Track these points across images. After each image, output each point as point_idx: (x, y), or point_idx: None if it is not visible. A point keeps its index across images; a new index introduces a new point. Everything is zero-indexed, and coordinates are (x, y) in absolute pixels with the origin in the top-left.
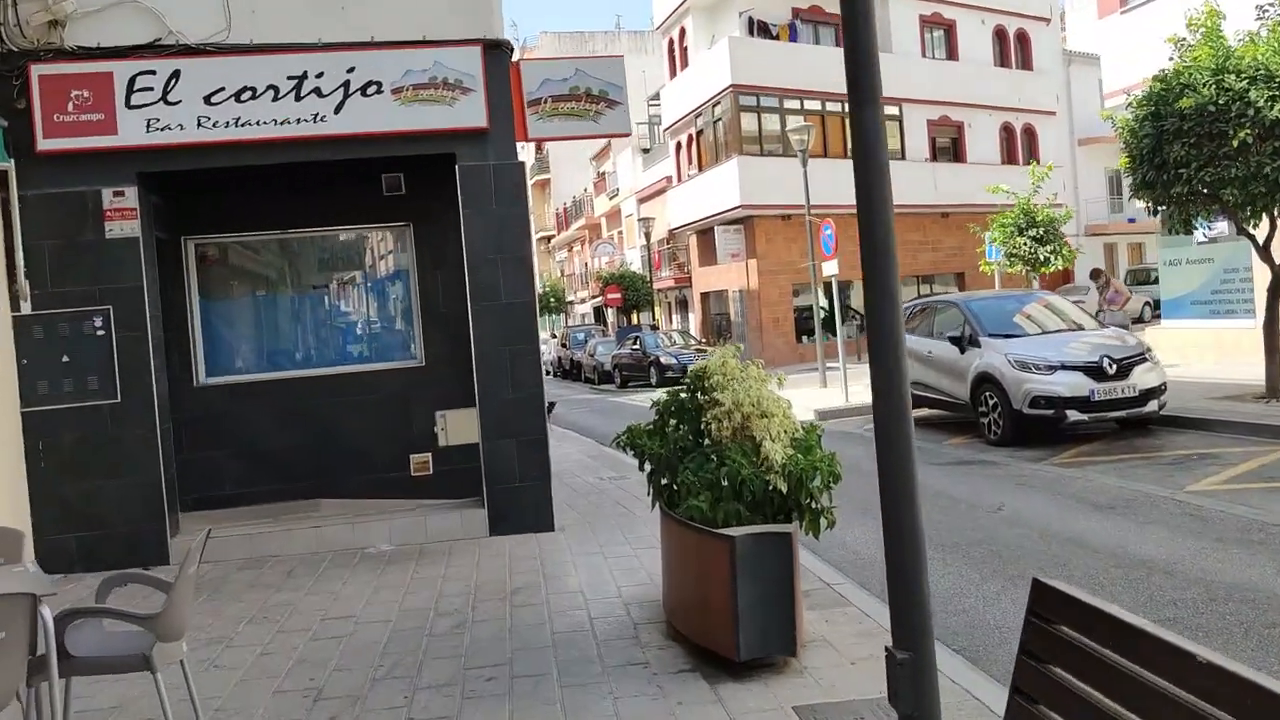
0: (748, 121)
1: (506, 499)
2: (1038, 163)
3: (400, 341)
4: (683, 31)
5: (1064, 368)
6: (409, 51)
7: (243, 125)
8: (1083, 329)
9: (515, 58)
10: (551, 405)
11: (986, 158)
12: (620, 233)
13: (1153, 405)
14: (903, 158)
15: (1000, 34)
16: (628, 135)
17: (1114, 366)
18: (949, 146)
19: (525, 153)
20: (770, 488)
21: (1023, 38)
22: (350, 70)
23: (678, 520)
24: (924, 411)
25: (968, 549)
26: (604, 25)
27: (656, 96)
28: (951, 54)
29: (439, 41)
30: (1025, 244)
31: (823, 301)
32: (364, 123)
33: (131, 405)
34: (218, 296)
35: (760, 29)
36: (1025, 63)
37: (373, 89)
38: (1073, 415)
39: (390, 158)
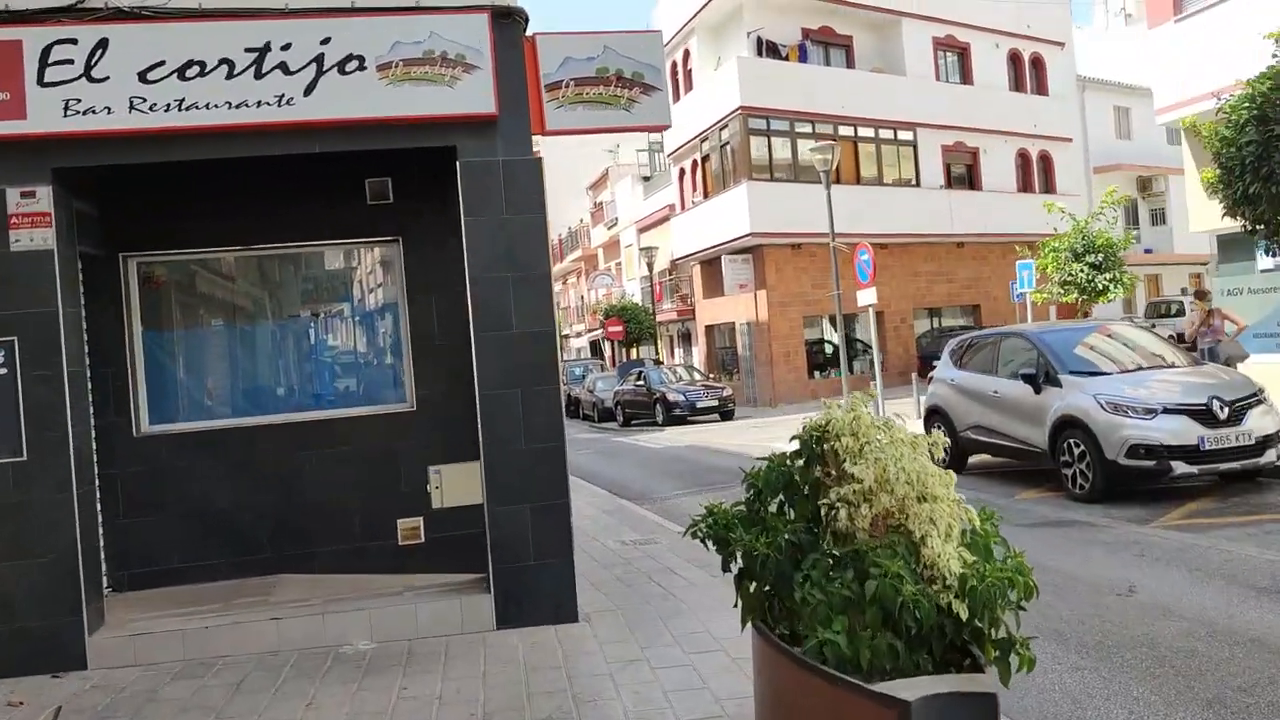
0: (757, 145)
1: (518, 582)
2: (1053, 191)
3: (386, 381)
4: (686, 54)
5: (1166, 411)
6: (398, 19)
7: (188, 109)
8: (1174, 365)
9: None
10: None
11: (1002, 185)
12: (619, 264)
13: (1270, 455)
14: (917, 185)
15: (1015, 58)
16: (667, 128)
17: (1225, 410)
18: (964, 174)
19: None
20: (945, 611)
21: (1038, 62)
22: (325, 42)
23: (794, 658)
24: (981, 458)
25: (1121, 653)
26: None
27: None
28: (966, 78)
29: (436, 8)
30: (1082, 270)
31: (830, 335)
32: (341, 107)
33: (41, 463)
34: (166, 327)
35: (769, 49)
36: (1040, 87)
37: (352, 65)
38: (1179, 468)
39: (374, 153)
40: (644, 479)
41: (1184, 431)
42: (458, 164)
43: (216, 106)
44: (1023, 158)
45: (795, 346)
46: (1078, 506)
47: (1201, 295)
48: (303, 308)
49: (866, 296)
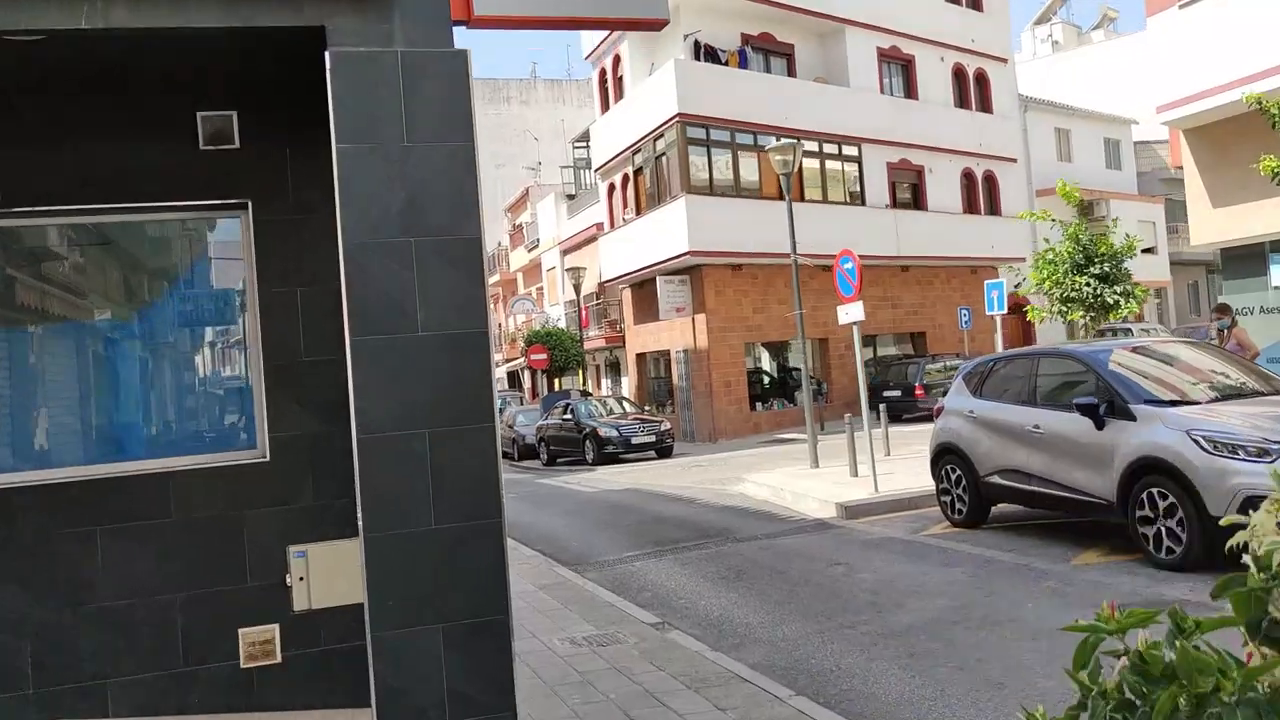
0: (696, 156)
1: None
2: (998, 213)
3: (226, 417)
4: (617, 60)
5: None
6: None
7: None
8: (1261, 391)
9: None
10: None
11: (948, 206)
12: (540, 288)
13: None
14: (863, 203)
15: (959, 73)
16: (662, 24)
17: None
18: (909, 193)
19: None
20: None
21: (981, 78)
22: None
23: None
24: (1007, 507)
25: None
26: (519, 73)
27: (583, 138)
28: (911, 92)
29: None
30: (1087, 284)
31: (766, 364)
32: None
33: None
34: None
35: (708, 54)
36: (985, 104)
37: None
38: None
39: (207, 66)
40: (582, 534)
41: None
42: (327, 55)
43: None
44: (968, 178)
45: (737, 376)
46: (1172, 579)
47: (1224, 310)
48: (96, 307)
49: (851, 312)
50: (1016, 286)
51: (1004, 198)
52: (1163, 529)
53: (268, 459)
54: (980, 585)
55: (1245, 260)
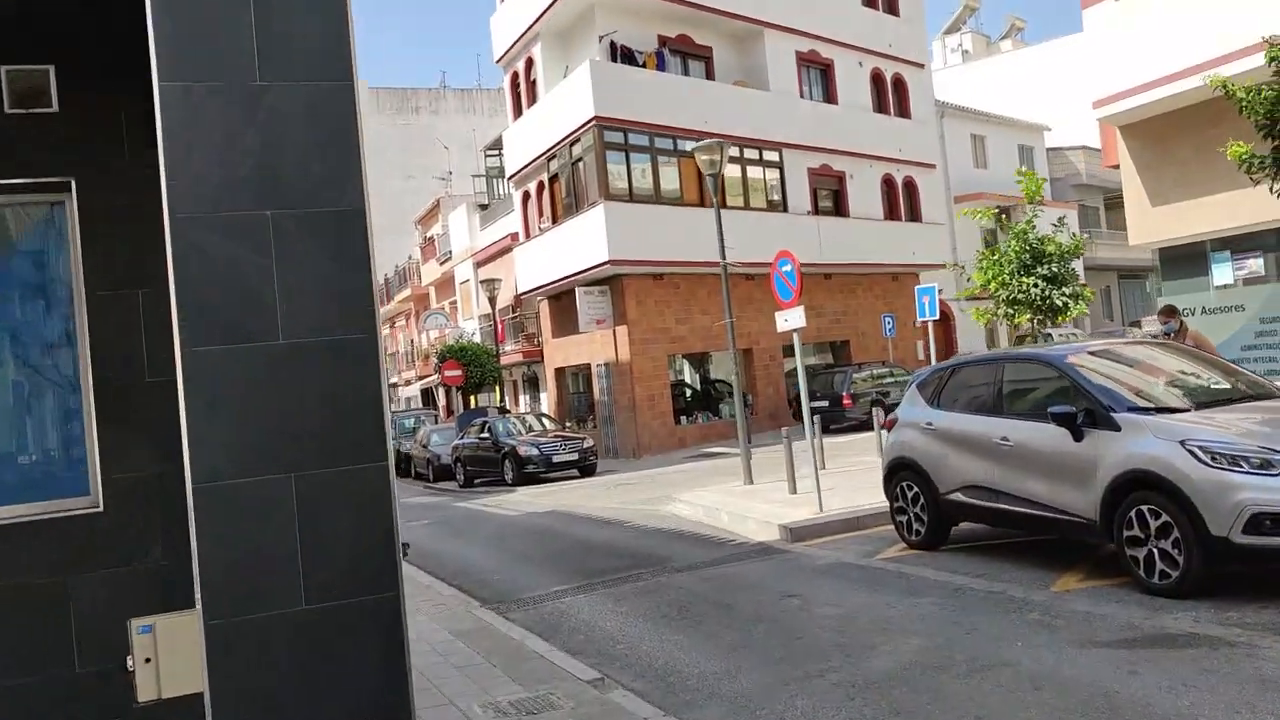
0: (614, 164)
1: None
2: (919, 219)
3: (45, 457)
4: (529, 63)
5: None
6: None
7: None
8: (1251, 394)
9: None
10: (406, 546)
11: (869, 212)
12: (454, 302)
13: None
14: (785, 210)
15: (878, 78)
16: None
17: None
18: (830, 199)
19: None
20: None
21: (899, 83)
22: None
23: None
24: (967, 527)
25: None
26: (427, 82)
27: (496, 145)
28: (830, 97)
29: None
30: (1034, 285)
31: (688, 376)
32: None
33: None
34: None
35: (625, 56)
36: (903, 109)
37: None
38: None
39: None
40: (504, 565)
41: None
42: None
43: None
44: (888, 184)
45: (660, 389)
46: (1170, 607)
47: (1171, 312)
48: None
49: (791, 318)
50: (940, 291)
51: (924, 204)
52: (1155, 550)
53: (101, 508)
54: (956, 619)
55: (1185, 260)
